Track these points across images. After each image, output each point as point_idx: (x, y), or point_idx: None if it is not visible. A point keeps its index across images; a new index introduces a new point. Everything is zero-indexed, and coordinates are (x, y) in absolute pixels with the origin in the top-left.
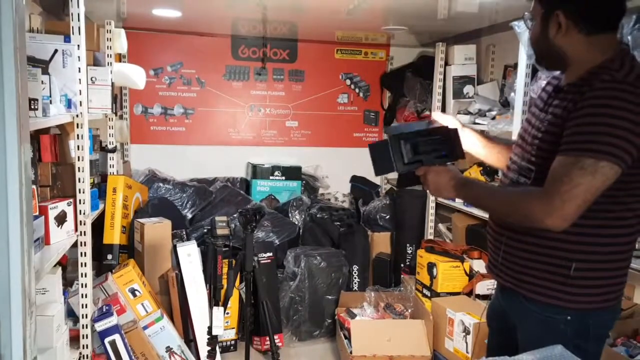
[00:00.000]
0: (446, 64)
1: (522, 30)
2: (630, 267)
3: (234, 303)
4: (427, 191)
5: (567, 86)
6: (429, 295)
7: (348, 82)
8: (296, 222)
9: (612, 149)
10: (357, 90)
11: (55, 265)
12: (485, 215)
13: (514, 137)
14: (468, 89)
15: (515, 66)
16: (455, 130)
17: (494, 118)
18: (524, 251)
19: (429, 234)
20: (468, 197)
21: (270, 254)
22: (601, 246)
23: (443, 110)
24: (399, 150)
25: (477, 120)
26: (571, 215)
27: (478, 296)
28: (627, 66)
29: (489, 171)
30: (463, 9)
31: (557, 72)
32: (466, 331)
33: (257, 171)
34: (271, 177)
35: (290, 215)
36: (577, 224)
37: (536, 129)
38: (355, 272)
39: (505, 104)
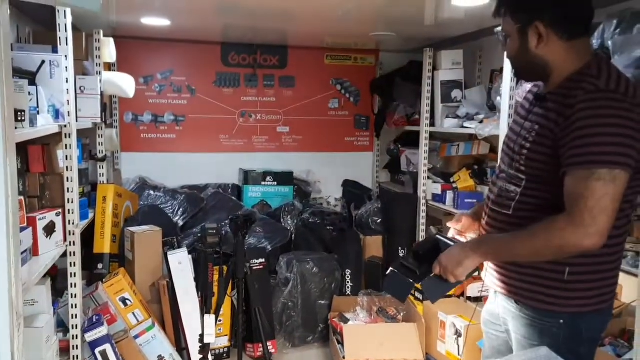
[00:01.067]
0: (434, 69)
1: None
2: None
3: (226, 310)
4: (455, 279)
5: (549, 95)
6: (420, 298)
7: (338, 87)
8: (288, 228)
9: (619, 157)
10: (347, 95)
11: (44, 276)
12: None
13: (501, 139)
14: (456, 94)
15: (502, 70)
16: (435, 237)
17: (481, 121)
18: None
19: (421, 236)
20: (490, 253)
21: (263, 260)
22: None
23: (432, 114)
24: (408, 270)
25: (464, 124)
26: (606, 229)
27: (469, 298)
28: (605, 73)
29: (477, 173)
30: (450, 15)
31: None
32: (458, 334)
33: (249, 177)
34: (263, 183)
35: (282, 220)
36: None
37: (523, 138)
38: (348, 277)
39: (493, 108)
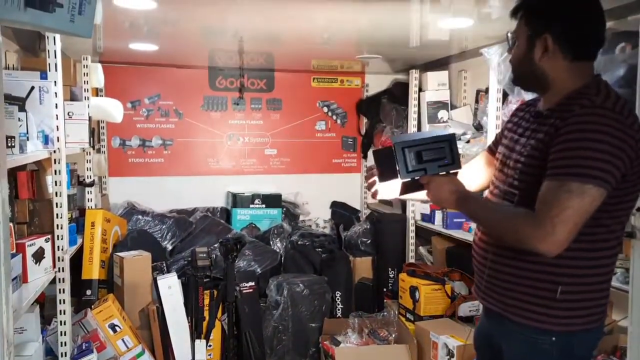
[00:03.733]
0: (420, 89)
1: (492, 56)
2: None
3: (216, 335)
4: (429, 199)
5: (547, 111)
6: (412, 319)
7: (325, 109)
8: (278, 250)
9: (596, 172)
10: (334, 117)
11: (33, 303)
12: (464, 236)
13: None
14: (442, 114)
15: (487, 90)
16: (454, 136)
17: (468, 141)
18: (508, 274)
19: (410, 257)
20: (467, 211)
21: (252, 283)
22: (586, 269)
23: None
24: (403, 158)
25: None
26: (563, 240)
27: (461, 318)
28: (603, 92)
29: None
30: (434, 36)
31: (529, 98)
32: (450, 354)
33: (237, 200)
34: (251, 206)
35: (271, 243)
36: None
37: (518, 153)
38: (338, 299)
39: (479, 128)
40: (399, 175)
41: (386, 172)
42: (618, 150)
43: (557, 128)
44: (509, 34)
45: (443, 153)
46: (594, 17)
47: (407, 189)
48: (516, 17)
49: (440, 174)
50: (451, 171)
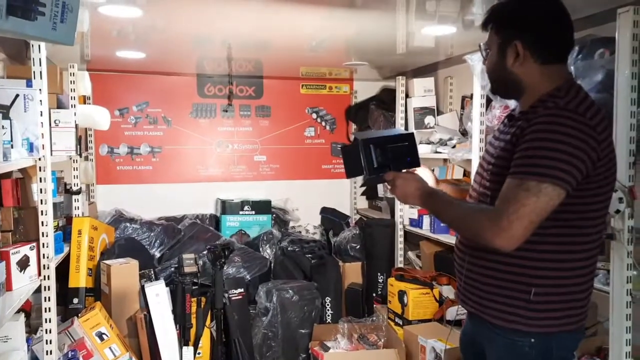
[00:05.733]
0: (407, 96)
1: (475, 63)
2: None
3: (205, 342)
4: (394, 196)
5: (519, 114)
6: (401, 323)
7: (314, 115)
8: (267, 256)
9: (553, 171)
10: (323, 123)
11: (18, 312)
12: (451, 241)
13: (474, 163)
14: (429, 120)
15: (472, 96)
16: (413, 135)
17: (454, 147)
18: (485, 276)
19: (399, 262)
20: (431, 207)
21: (242, 290)
22: (559, 271)
23: None
24: (369, 155)
25: (438, 149)
26: (518, 236)
27: (449, 322)
28: (571, 94)
29: None
30: (420, 43)
31: (513, 103)
32: (438, 357)
33: (227, 206)
34: (241, 212)
35: (261, 249)
36: (534, 249)
37: (490, 155)
38: (328, 304)
39: (465, 133)
40: (364, 172)
41: (353, 168)
42: (577, 150)
43: (523, 129)
44: (482, 45)
45: (406, 151)
46: (561, 21)
47: (370, 184)
48: (487, 29)
49: (403, 170)
50: (411, 169)
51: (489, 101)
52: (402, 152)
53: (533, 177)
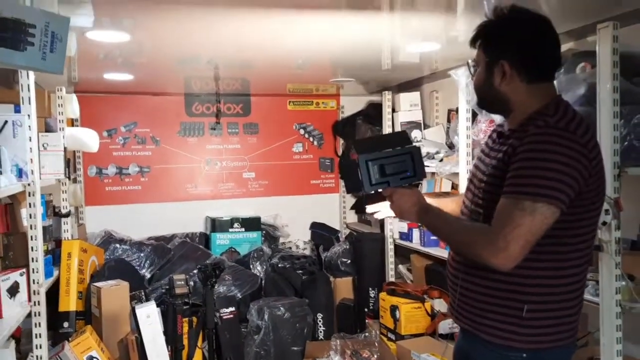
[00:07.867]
0: (393, 110)
1: (460, 77)
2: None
3: None
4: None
5: (509, 132)
6: (393, 338)
7: (302, 131)
8: (258, 274)
9: (547, 190)
10: (311, 139)
11: (8, 339)
12: (441, 254)
13: (461, 176)
14: (416, 134)
15: (458, 110)
16: (419, 149)
17: (441, 160)
18: (478, 293)
19: (390, 275)
20: (427, 224)
21: (233, 309)
22: (551, 287)
23: None
24: (367, 172)
25: (425, 163)
26: (515, 256)
27: (442, 336)
28: (560, 112)
29: None
30: (405, 59)
31: (499, 118)
32: None
33: (216, 224)
34: (230, 230)
35: (251, 266)
36: (527, 266)
37: (482, 173)
38: (320, 321)
39: (452, 146)
40: (362, 188)
41: (351, 184)
42: (570, 168)
43: (515, 148)
44: (469, 62)
45: (406, 166)
46: (548, 41)
47: (370, 201)
48: (475, 46)
49: (403, 186)
50: (413, 183)
51: (474, 115)
52: (401, 168)
53: (528, 196)
